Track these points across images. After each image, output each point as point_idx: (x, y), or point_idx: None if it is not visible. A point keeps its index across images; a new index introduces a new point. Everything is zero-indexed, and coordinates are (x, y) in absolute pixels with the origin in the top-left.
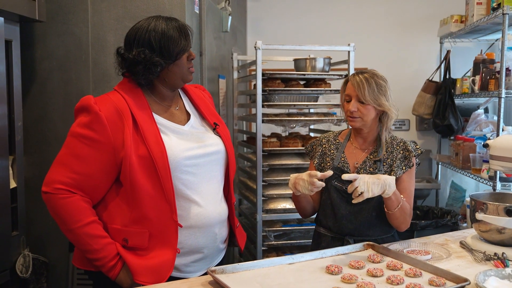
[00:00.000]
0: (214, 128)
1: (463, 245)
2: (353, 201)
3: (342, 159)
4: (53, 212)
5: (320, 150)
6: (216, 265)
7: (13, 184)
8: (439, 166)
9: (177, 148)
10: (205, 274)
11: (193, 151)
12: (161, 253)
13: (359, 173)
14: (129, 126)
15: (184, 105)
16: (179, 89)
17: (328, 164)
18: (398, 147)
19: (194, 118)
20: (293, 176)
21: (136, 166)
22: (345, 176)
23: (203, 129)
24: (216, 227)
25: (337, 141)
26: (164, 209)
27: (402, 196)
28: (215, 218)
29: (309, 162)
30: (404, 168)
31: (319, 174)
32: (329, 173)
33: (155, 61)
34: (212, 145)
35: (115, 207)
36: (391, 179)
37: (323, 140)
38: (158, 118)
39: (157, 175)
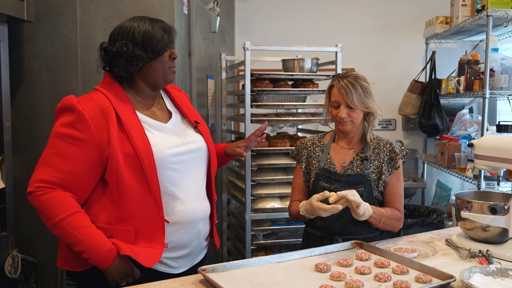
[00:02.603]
0: (195, 126)
1: (448, 242)
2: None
3: (328, 160)
4: (37, 210)
5: (305, 154)
6: (199, 262)
7: (1, 185)
8: (425, 165)
9: (162, 145)
10: (190, 269)
11: (177, 148)
12: (148, 250)
13: (347, 173)
14: (114, 124)
15: (166, 104)
16: (161, 90)
17: (315, 166)
18: (384, 149)
19: (176, 117)
20: (307, 212)
21: (122, 163)
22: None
23: (185, 127)
24: (199, 223)
25: (322, 142)
26: (150, 206)
27: (390, 201)
28: (199, 215)
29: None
30: (390, 170)
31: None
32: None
33: (137, 54)
34: (194, 142)
35: (100, 206)
36: (368, 205)
37: (308, 143)
38: (140, 115)
39: (143, 172)
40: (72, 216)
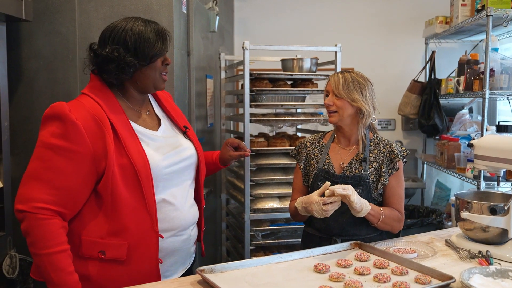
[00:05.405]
0: (185, 132)
1: (448, 243)
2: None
3: (327, 161)
4: (26, 231)
5: (305, 154)
6: (189, 268)
7: None
8: (425, 165)
9: (157, 157)
10: (184, 275)
11: (170, 158)
12: (142, 266)
13: (345, 174)
14: (110, 134)
15: (154, 109)
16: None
17: (313, 167)
18: (384, 150)
19: (165, 123)
20: (303, 204)
21: (118, 176)
22: (328, 193)
23: (175, 133)
24: (190, 229)
25: (321, 143)
26: (144, 220)
27: (390, 203)
28: (189, 220)
29: (295, 162)
30: (390, 171)
31: (324, 197)
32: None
33: (128, 61)
34: (185, 150)
35: (93, 219)
36: (366, 202)
37: (308, 143)
38: (134, 125)
39: (140, 186)
40: (56, 255)
